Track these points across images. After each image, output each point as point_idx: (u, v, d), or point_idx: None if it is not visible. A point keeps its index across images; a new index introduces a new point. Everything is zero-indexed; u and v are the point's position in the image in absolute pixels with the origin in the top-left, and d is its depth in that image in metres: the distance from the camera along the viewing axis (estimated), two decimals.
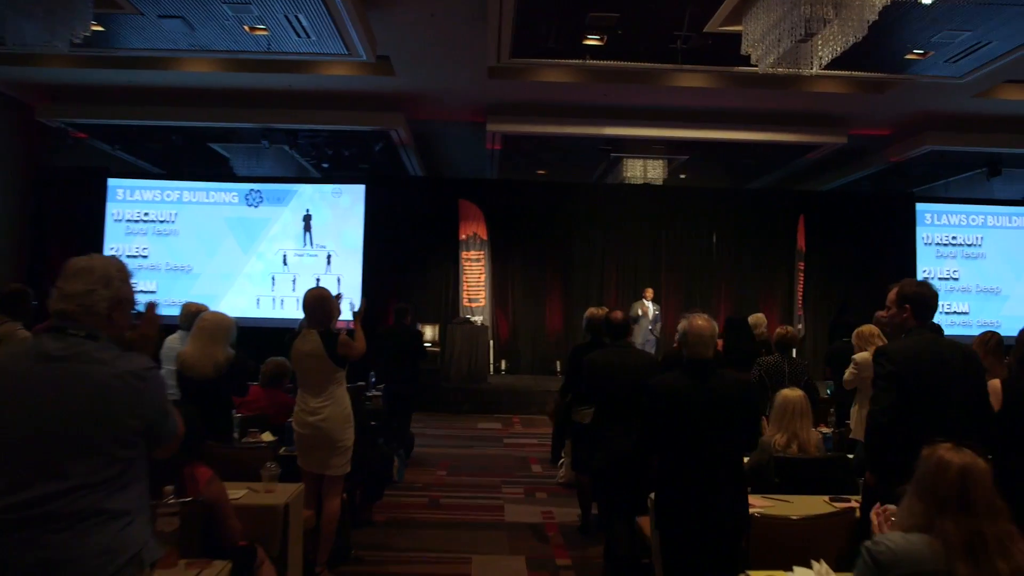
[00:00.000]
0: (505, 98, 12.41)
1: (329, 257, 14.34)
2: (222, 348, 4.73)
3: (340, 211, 14.42)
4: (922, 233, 15.01)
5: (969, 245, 15.05)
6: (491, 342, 13.54)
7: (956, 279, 14.93)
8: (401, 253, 14.28)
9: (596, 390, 4.52)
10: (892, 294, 3.56)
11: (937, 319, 3.77)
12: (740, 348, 6.27)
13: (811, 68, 7.59)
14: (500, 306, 14.40)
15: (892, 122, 13.17)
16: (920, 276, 14.81)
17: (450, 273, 14.28)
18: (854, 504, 3.70)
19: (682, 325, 3.60)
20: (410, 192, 14.58)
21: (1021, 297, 14.81)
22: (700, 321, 3.47)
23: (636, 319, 12.11)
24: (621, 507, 4.30)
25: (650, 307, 12.28)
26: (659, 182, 15.00)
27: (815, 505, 3.78)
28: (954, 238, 15.05)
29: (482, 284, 13.87)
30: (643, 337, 12.10)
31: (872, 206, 15.02)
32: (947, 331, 7.75)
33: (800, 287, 14.28)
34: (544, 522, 6.10)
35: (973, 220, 15.12)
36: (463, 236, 13.97)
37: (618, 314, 4.80)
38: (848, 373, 5.58)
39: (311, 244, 14.39)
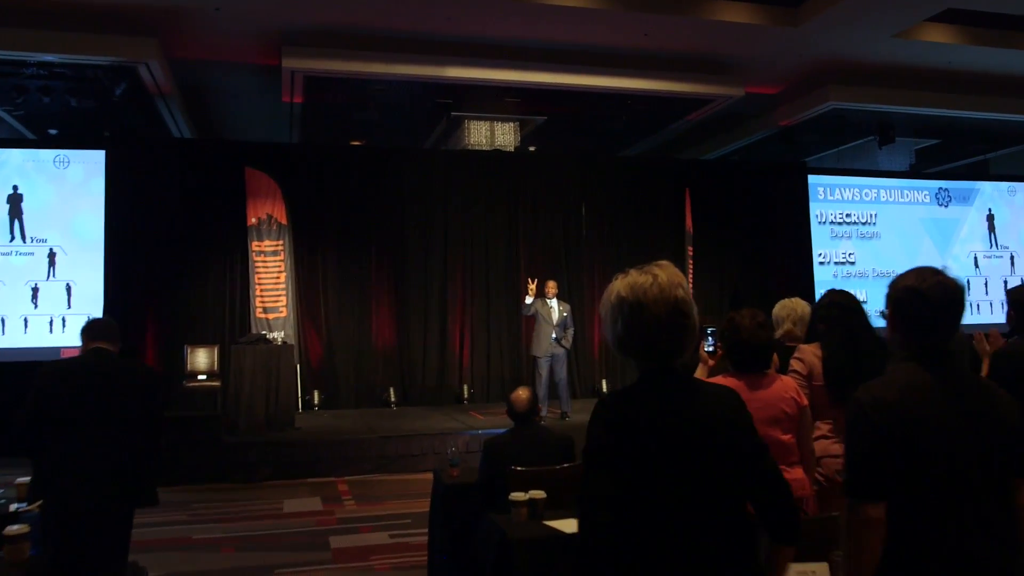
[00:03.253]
0: (308, 20, 8.80)
1: (52, 255, 9.94)
2: None
3: (68, 188, 10.03)
4: (816, 210, 12.80)
5: (864, 223, 13.02)
6: (298, 367, 9.67)
7: (852, 263, 12.87)
8: (162, 247, 10.06)
9: None
10: None
11: None
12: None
13: None
14: (308, 315, 10.50)
15: (791, 72, 10.90)
16: (816, 259, 12.65)
17: (236, 272, 10.23)
18: None
19: None
20: (173, 160, 10.32)
21: None
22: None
23: (528, 309, 8.91)
24: None
25: (554, 307, 8.92)
26: (510, 149, 11.73)
27: None
28: (848, 215, 12.96)
29: (282, 286, 9.94)
30: (546, 350, 8.76)
31: (762, 178, 12.56)
32: None
33: (691, 276, 11.53)
34: None
35: (867, 195, 13.12)
36: (253, 220, 9.97)
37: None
38: None
39: (22, 237, 9.92)
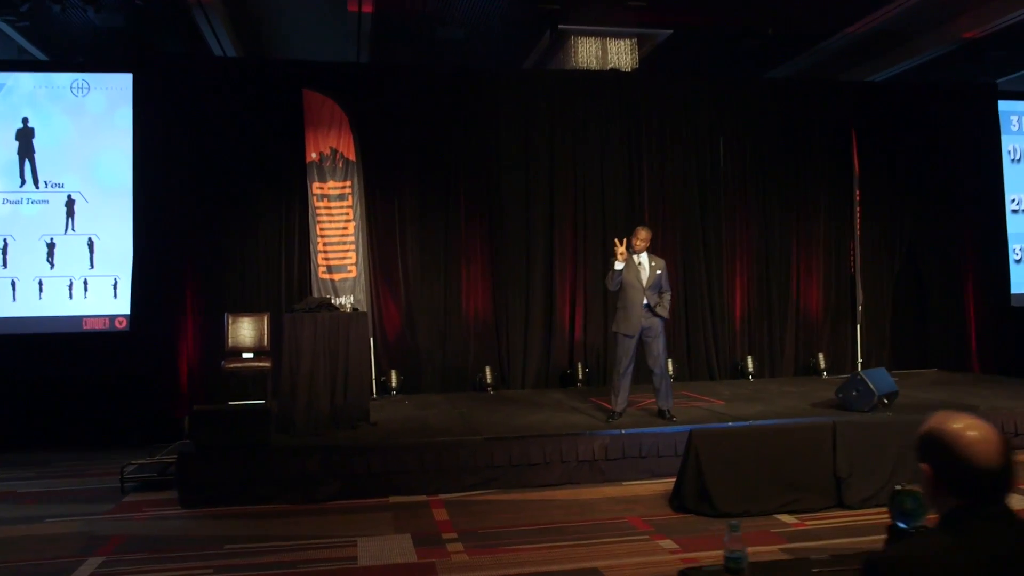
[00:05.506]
0: None
1: (71, 204, 8.12)
2: None
3: (88, 121, 8.18)
4: (1008, 144, 10.20)
5: None
6: (371, 341, 7.61)
7: None
8: (201, 193, 8.09)
9: None
10: None
11: None
12: None
13: None
14: (383, 276, 8.45)
15: None
16: (1008, 206, 10.08)
17: (293, 221, 8.24)
18: None
19: None
20: (215, 84, 8.30)
21: None
22: None
23: (617, 286, 6.39)
24: None
25: (644, 264, 6.42)
26: (627, 70, 9.42)
27: None
28: None
29: (350, 238, 7.90)
30: (635, 325, 6.31)
31: (940, 105, 9.96)
32: None
33: (858, 225, 9.15)
34: None
35: None
36: (313, 155, 7.94)
37: None
38: None
39: (35, 182, 8.10)
